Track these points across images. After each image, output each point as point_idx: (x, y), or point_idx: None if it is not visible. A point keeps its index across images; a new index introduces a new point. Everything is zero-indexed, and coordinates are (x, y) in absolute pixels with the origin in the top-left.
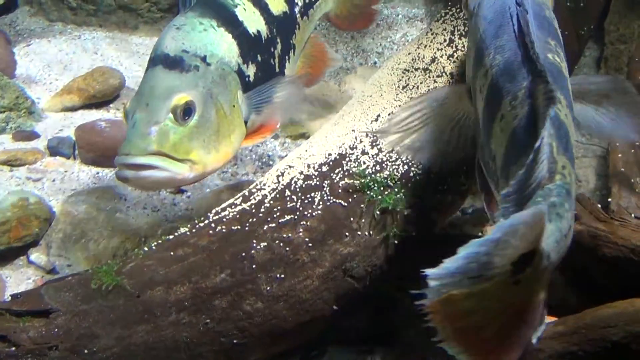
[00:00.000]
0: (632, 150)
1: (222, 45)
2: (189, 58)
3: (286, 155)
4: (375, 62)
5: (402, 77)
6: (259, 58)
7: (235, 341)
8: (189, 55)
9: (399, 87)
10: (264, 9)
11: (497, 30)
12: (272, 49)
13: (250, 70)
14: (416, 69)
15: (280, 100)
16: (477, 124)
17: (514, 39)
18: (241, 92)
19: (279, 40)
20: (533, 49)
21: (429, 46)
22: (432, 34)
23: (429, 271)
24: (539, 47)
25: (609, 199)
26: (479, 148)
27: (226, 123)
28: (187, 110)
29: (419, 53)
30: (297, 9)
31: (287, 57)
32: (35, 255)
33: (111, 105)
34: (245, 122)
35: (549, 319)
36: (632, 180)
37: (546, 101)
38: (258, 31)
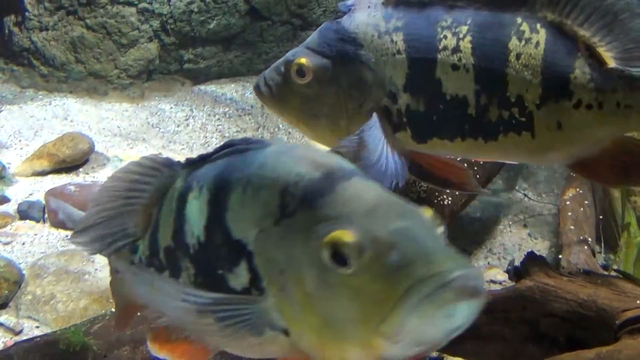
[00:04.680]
0: (581, 209)
1: None
2: None
3: None
4: None
5: None
6: None
7: None
8: None
9: None
10: None
11: (428, 21)
12: None
13: None
14: None
15: None
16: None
17: (459, 9)
18: None
19: None
20: None
21: None
22: None
23: None
24: None
25: (560, 256)
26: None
27: None
28: None
29: None
30: None
31: None
32: (5, 317)
33: (80, 169)
34: None
35: None
36: (581, 237)
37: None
38: None
